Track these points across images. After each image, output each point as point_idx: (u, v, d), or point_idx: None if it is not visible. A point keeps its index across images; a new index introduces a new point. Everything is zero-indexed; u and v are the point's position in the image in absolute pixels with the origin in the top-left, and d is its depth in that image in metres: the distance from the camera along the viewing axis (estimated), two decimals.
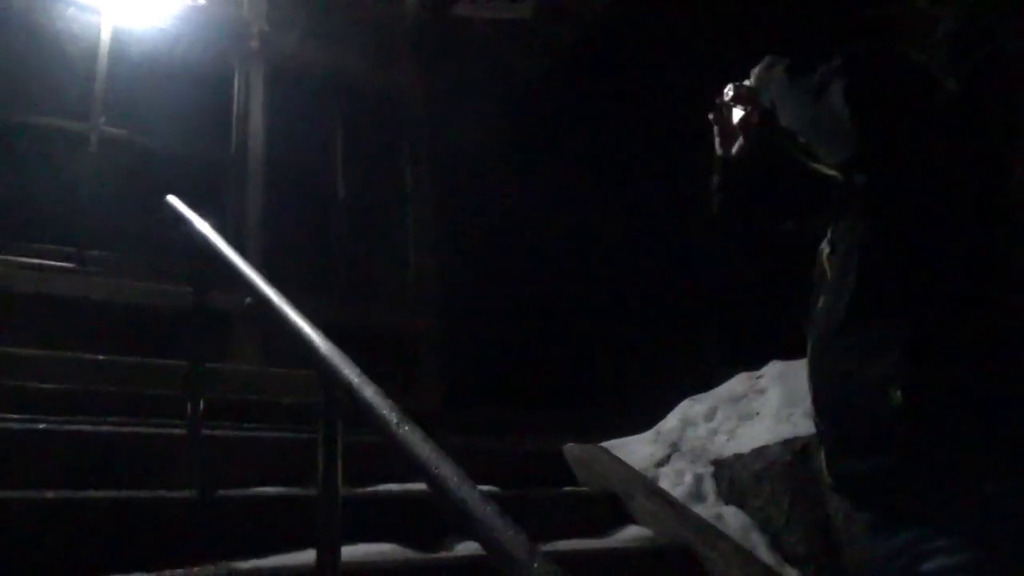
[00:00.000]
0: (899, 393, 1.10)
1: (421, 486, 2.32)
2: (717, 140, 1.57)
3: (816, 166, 1.38)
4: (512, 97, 6.27)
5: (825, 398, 1.27)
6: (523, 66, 6.40)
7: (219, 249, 2.30)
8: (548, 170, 5.86)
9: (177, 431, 2.41)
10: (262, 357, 4.56)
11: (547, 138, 6.15)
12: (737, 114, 1.52)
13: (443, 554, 2.23)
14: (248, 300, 2.04)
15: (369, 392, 1.38)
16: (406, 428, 1.25)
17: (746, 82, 1.54)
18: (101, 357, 3.77)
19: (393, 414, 1.29)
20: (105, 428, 2.48)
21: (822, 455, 1.29)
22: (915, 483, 1.11)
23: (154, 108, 4.93)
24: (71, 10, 4.83)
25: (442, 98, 6.07)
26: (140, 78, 4.95)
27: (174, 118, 4.98)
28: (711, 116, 1.57)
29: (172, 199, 2.86)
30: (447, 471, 1.14)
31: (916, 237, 1.20)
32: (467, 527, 1.05)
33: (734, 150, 1.53)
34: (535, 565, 0.94)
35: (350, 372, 1.45)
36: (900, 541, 1.13)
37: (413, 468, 1.21)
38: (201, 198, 4.48)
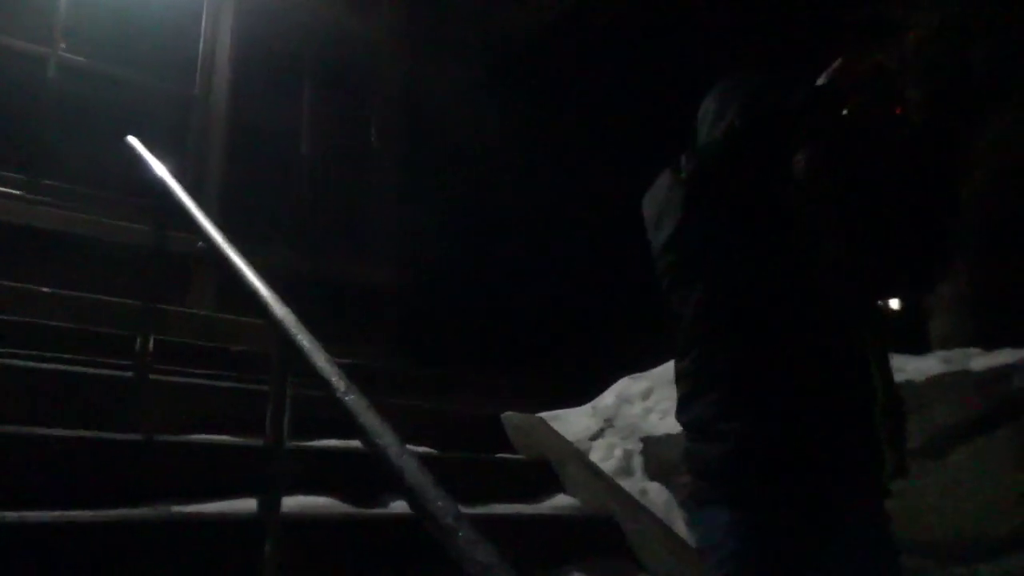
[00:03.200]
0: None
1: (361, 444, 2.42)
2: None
3: None
4: (492, 60, 6.24)
5: None
6: (506, 29, 6.37)
7: (179, 198, 2.31)
8: (519, 139, 5.89)
9: (125, 373, 2.43)
10: (219, 302, 4.56)
11: (521, 106, 6.16)
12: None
13: (378, 510, 2.33)
14: (200, 244, 2.09)
15: (320, 359, 1.45)
16: (352, 396, 1.32)
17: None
18: (47, 290, 3.74)
19: (341, 381, 1.37)
20: (50, 365, 2.49)
21: None
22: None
23: (118, 37, 4.81)
24: None
25: (419, 53, 6.02)
26: (104, 4, 4.82)
27: (139, 50, 4.87)
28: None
29: (132, 139, 2.85)
30: (388, 440, 1.22)
31: None
32: (402, 493, 1.14)
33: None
34: (460, 533, 1.03)
35: (303, 337, 1.52)
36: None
37: (356, 435, 1.29)
38: (162, 134, 4.45)
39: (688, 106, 1.66)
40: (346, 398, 1.33)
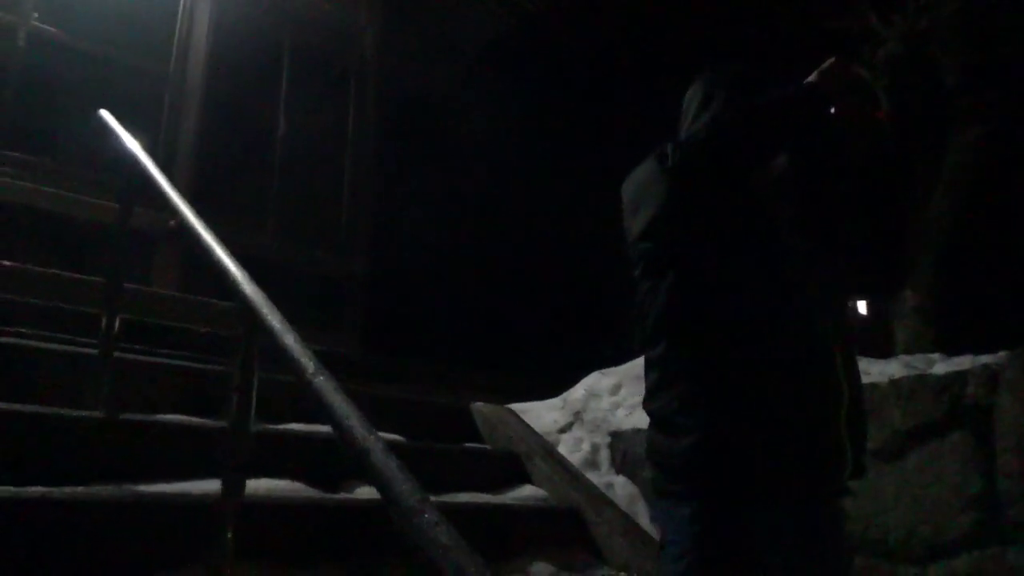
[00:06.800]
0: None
1: (326, 428, 2.41)
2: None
3: None
4: (469, 53, 6.23)
5: None
6: (484, 23, 6.35)
7: (151, 173, 2.27)
8: (497, 132, 5.88)
9: (88, 350, 2.39)
10: (182, 283, 4.50)
11: (500, 98, 6.15)
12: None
13: (343, 495, 2.32)
14: (172, 223, 2.06)
15: (290, 339, 1.44)
16: (321, 378, 1.31)
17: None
18: (8, 263, 3.66)
19: (311, 363, 1.35)
20: (9, 339, 2.44)
21: None
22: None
23: (93, 10, 4.71)
24: None
25: (396, 43, 5.98)
26: None
27: (113, 23, 4.77)
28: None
29: (104, 113, 2.80)
30: (354, 423, 1.22)
31: None
32: (368, 475, 1.13)
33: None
34: (425, 515, 1.03)
35: (272, 317, 1.50)
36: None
37: (324, 416, 1.28)
38: (134, 112, 4.35)
39: (670, 102, 1.66)
40: (315, 380, 1.32)
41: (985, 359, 2.59)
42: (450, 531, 1.02)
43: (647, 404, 1.49)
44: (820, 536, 1.39)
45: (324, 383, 1.31)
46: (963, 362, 2.70)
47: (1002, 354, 2.53)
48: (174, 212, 2.05)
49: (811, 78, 1.41)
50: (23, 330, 2.65)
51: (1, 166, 4.22)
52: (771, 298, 1.38)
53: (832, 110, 1.37)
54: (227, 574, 1.51)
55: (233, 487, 1.59)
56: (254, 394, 1.60)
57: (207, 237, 1.84)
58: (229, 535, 1.55)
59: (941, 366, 2.80)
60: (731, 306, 1.38)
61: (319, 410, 1.29)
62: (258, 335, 1.55)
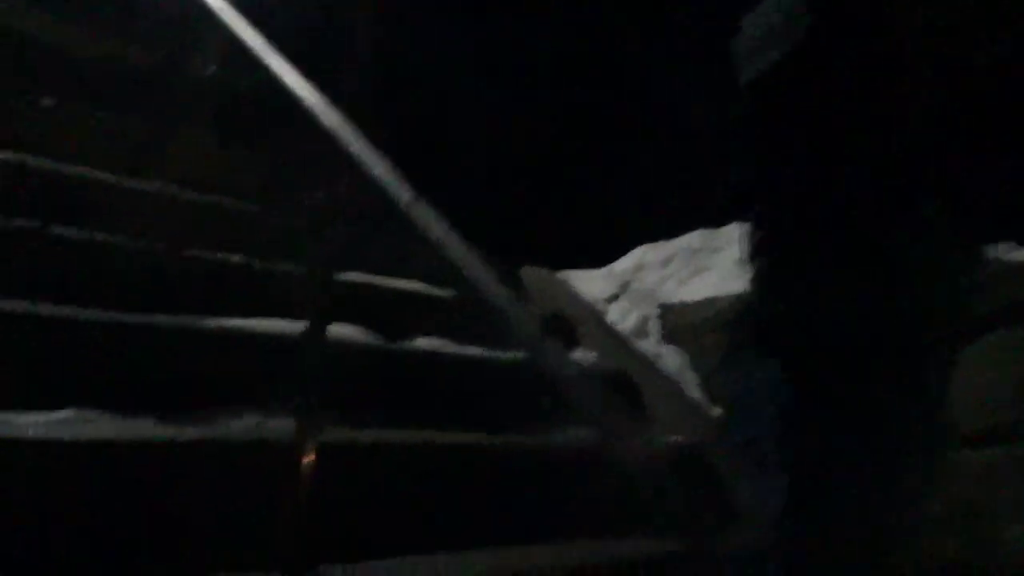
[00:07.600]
0: None
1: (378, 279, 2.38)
2: None
3: None
4: None
5: None
6: None
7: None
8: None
9: (145, 185, 2.32)
10: (219, 133, 4.36)
11: None
12: None
13: (404, 344, 2.30)
14: (212, 69, 1.94)
15: (379, 168, 1.35)
16: (421, 207, 1.24)
17: None
18: (48, 101, 3.53)
19: (406, 192, 1.28)
20: (63, 166, 2.36)
21: None
22: None
23: None
24: None
25: None
26: None
27: None
28: None
29: None
30: (461, 252, 1.17)
31: None
32: (481, 304, 1.09)
33: None
34: (548, 345, 1.00)
35: (360, 148, 1.41)
36: None
37: (420, 244, 1.22)
38: None
39: None
40: (413, 209, 1.25)
41: None
42: (579, 367, 0.99)
43: (749, 265, 1.45)
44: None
45: (425, 212, 1.24)
46: None
47: None
48: (247, 53, 1.90)
49: None
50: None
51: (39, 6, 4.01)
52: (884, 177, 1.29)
53: None
54: (309, 421, 1.47)
55: (316, 330, 1.54)
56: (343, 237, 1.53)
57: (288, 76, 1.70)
58: (312, 380, 1.49)
59: (1016, 254, 2.69)
60: (838, 184, 1.30)
61: (419, 240, 1.22)
62: (344, 170, 1.45)
